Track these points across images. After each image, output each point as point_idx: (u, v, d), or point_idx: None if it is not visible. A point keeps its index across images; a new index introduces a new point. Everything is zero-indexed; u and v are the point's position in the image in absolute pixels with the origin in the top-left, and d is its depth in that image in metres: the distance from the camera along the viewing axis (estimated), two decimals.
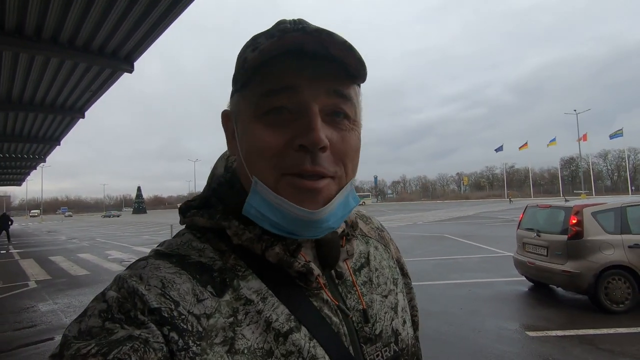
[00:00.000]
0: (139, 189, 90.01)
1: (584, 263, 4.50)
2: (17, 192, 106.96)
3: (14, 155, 15.40)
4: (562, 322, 4.22)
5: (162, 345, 0.38)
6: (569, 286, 4.71)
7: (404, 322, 0.57)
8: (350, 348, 0.48)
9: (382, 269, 0.59)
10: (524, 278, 5.65)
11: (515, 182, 78.23)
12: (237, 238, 0.47)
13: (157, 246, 0.50)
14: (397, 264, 0.65)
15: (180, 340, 0.39)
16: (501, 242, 9.88)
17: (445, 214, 25.93)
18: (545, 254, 4.95)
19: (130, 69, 7.38)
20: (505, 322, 4.22)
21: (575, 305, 4.83)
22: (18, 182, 26.14)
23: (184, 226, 0.53)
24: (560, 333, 3.88)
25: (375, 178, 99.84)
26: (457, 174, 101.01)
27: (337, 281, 0.52)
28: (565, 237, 4.67)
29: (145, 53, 6.85)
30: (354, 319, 0.50)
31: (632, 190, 56.31)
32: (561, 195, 56.39)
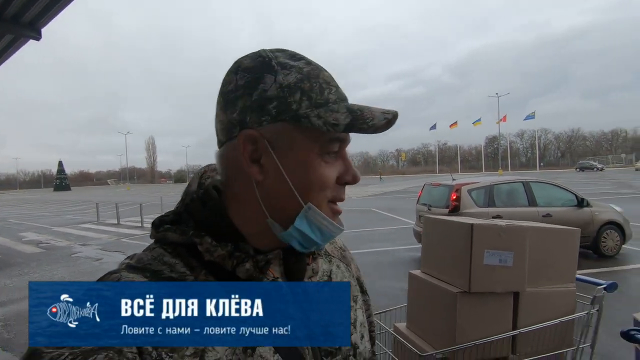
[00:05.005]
0: (60, 163, 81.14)
1: None
2: None
3: None
4: None
5: (136, 355, 0.39)
6: None
7: (362, 336, 0.61)
8: None
9: None
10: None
11: (446, 159, 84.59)
12: (209, 254, 0.48)
13: (126, 259, 0.51)
14: (357, 282, 0.70)
15: (154, 352, 0.40)
16: None
17: (380, 188, 27.67)
18: None
19: (37, 36, 6.72)
20: (393, 282, 5.05)
21: None
22: None
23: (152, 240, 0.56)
24: None
25: None
26: (396, 150, 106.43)
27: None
28: (447, 210, 5.60)
29: (66, 16, 6.28)
30: None
31: (540, 166, 64.50)
32: (483, 170, 62.62)
